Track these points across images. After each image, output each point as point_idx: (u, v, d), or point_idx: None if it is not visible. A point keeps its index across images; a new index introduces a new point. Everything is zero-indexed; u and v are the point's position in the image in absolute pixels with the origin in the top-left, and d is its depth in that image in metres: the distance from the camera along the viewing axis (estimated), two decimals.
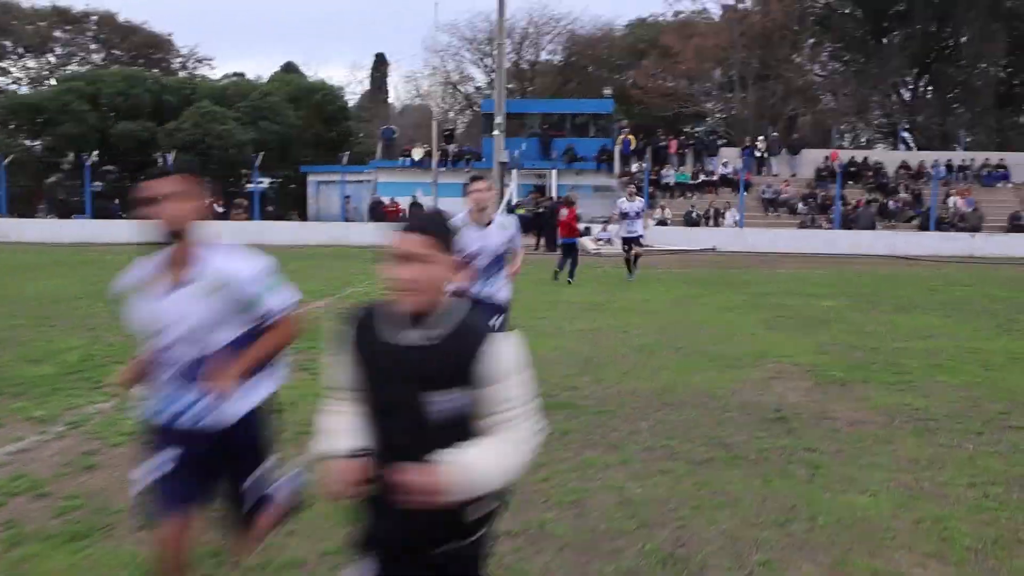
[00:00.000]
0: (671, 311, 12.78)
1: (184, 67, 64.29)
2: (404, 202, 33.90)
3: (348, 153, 33.98)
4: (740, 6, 47.98)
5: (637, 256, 18.42)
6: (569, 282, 17.22)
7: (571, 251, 18.15)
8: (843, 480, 5.20)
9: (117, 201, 40.81)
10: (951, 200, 34.03)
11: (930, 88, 48.80)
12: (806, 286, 17.25)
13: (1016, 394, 7.48)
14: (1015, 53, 44.45)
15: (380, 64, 68.91)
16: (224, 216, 34.12)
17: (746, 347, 9.74)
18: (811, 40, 49.45)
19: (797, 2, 46.73)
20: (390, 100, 67.42)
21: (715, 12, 50.19)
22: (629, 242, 18.47)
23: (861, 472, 5.34)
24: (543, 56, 60.89)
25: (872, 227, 32.00)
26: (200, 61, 66.03)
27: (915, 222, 33.70)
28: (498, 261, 6.86)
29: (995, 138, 44.39)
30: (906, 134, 43.65)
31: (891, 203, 34.32)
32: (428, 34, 74.26)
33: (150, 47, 62.12)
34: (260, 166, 46.02)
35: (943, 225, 32.13)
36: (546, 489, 5.04)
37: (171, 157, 33.93)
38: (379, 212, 33.29)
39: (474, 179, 6.84)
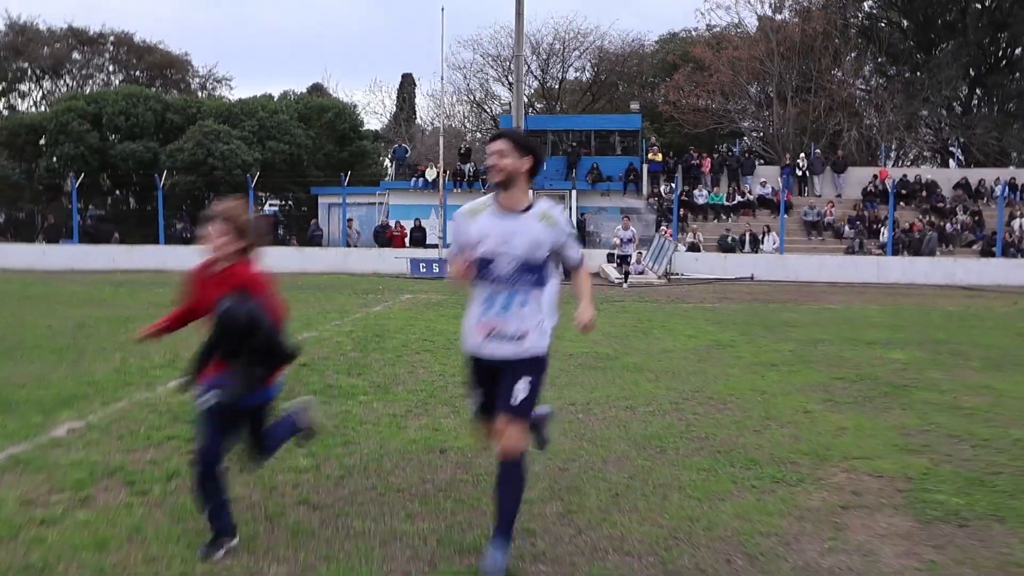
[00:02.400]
0: (695, 371, 9.83)
1: (203, 87, 62.64)
2: (411, 225, 31.26)
3: (349, 173, 31.34)
4: (778, 17, 45.02)
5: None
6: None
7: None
8: None
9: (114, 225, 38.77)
10: (1016, 223, 30.73)
11: (984, 101, 45.37)
12: (864, 329, 14.20)
13: None
14: None
15: (406, 84, 66.97)
16: None
17: (800, 438, 6.78)
18: (853, 53, 46.30)
19: (839, 12, 43.65)
20: (417, 120, 65.19)
21: (751, 24, 47.26)
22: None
23: None
24: (571, 74, 58.23)
25: (933, 254, 28.75)
26: (219, 81, 64.37)
27: (976, 247, 30.44)
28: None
29: None
30: (954, 150, 40.46)
31: (949, 226, 31.04)
32: (448, 50, 71.66)
33: (167, 67, 60.51)
34: (270, 188, 43.85)
35: (1008, 250, 28.85)
36: None
37: (161, 179, 31.29)
38: (384, 237, 30.61)
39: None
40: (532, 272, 4.32)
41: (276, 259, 23.53)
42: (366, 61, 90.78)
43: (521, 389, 4.33)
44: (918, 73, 43.58)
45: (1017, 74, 44.92)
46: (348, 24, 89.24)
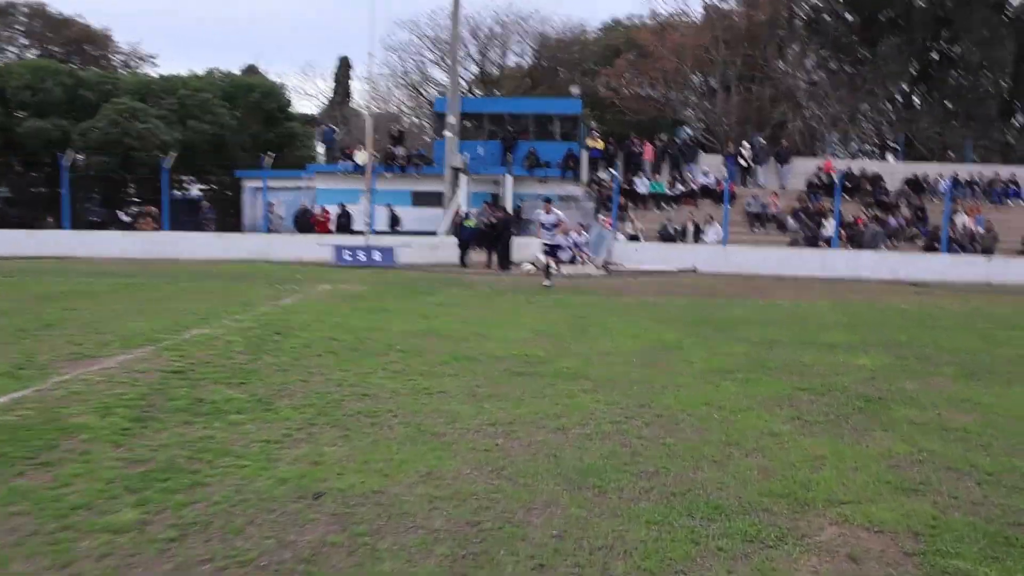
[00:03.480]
0: (639, 379, 8.49)
1: (126, 65, 59.87)
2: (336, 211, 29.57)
3: (269, 155, 29.48)
4: (723, 5, 44.12)
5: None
6: None
7: None
8: None
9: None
10: (959, 218, 30.09)
11: (925, 97, 45.00)
12: (820, 328, 13.04)
13: None
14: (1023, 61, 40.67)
15: (344, 68, 65.02)
16: (130, 226, 29.62)
17: (772, 473, 5.47)
18: (794, 46, 45.60)
19: (784, 2, 42.85)
20: (353, 105, 63.27)
21: (697, 12, 46.30)
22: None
23: None
24: (510, 59, 56.89)
25: (877, 247, 27.95)
26: (143, 59, 61.65)
27: (919, 242, 29.75)
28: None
29: (998, 151, 40.63)
30: (893, 144, 40.00)
31: (893, 220, 30.30)
32: (384, 31, 69.81)
33: (86, 42, 57.64)
34: (192, 170, 41.65)
35: (950, 246, 28.16)
36: None
37: (65, 159, 28.98)
38: (306, 222, 28.83)
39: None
40: None
41: (195, 245, 21.77)
42: (302, 44, 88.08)
43: None
44: (859, 68, 42.98)
45: (956, 71, 44.65)
46: (284, 4, 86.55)
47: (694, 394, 7.81)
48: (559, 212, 20.70)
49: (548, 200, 21.38)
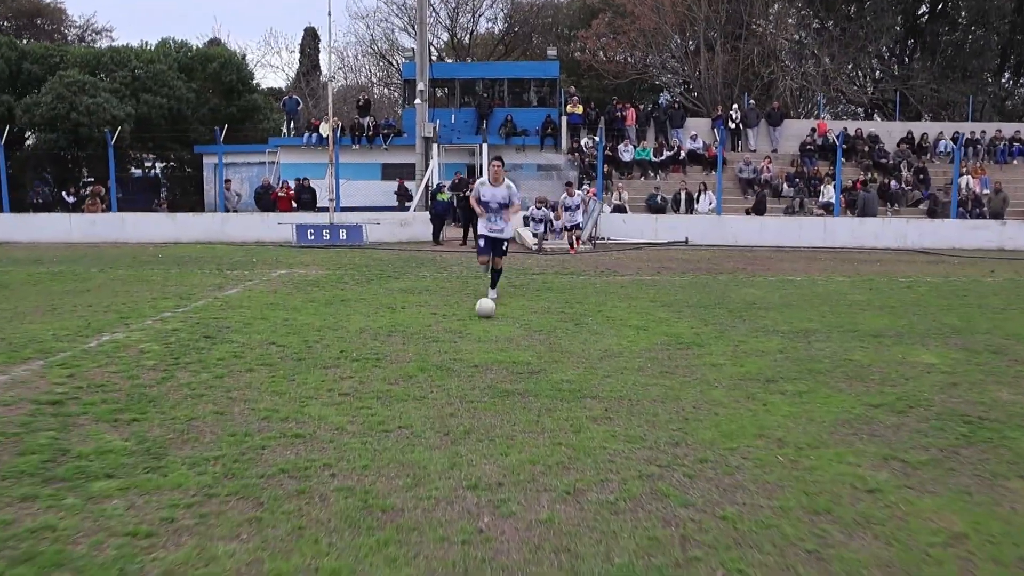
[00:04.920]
0: (662, 396, 6.56)
1: (81, 39, 57.08)
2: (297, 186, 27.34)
3: (226, 129, 27.09)
4: None
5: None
6: None
7: None
8: None
9: None
10: (962, 180, 28.33)
11: (918, 53, 43.08)
12: (851, 311, 11.15)
13: None
14: (1021, 12, 38.76)
15: (310, 39, 62.50)
16: (76, 207, 27.33)
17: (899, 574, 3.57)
18: (777, 4, 43.49)
19: None
20: (321, 78, 60.70)
21: None
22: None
23: None
24: (482, 25, 54.60)
25: (874, 214, 26.14)
26: (98, 32, 58.87)
27: (922, 207, 28.00)
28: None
29: (997, 107, 38.86)
30: (878, 101, 38.16)
31: (893, 184, 28.48)
32: None
33: (36, 15, 54.80)
34: (149, 146, 39.33)
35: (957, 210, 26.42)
36: None
37: (3, 135, 26.45)
38: (267, 199, 26.62)
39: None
40: None
41: (145, 227, 19.44)
42: (266, 13, 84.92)
43: None
44: (847, 24, 40.99)
45: (949, 25, 42.78)
46: None
47: (740, 420, 5.88)
48: (513, 185, 12.32)
49: (499, 160, 12.40)
